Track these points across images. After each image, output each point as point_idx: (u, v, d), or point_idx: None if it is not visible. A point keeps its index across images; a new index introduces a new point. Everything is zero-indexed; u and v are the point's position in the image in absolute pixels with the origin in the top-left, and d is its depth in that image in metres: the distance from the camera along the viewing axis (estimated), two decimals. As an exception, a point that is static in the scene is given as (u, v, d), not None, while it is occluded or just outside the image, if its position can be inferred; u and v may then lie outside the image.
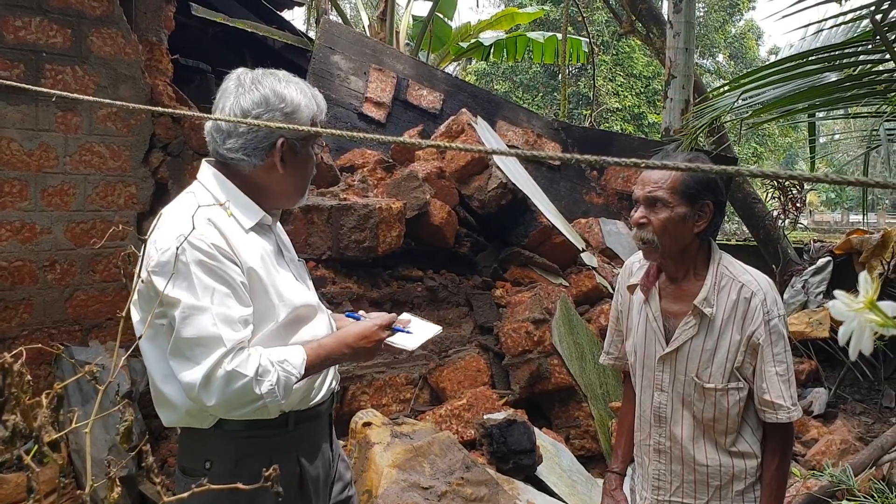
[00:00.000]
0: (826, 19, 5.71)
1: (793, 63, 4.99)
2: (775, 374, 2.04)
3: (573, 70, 23.46)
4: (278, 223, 1.96)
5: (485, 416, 3.33)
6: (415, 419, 3.49)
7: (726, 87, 5.66)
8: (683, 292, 2.16)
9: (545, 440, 3.48)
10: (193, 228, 1.58)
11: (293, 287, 1.80)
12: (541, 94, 26.92)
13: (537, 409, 4.08)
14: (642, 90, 24.76)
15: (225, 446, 1.73)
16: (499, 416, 3.31)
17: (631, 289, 2.30)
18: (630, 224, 6.80)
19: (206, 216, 1.65)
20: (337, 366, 1.95)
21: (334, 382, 1.94)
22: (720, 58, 30.99)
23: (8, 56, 3.42)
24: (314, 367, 1.74)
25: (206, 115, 1.55)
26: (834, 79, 5.06)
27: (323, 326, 1.88)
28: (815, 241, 7.22)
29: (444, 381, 3.79)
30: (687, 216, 2.06)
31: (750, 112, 5.66)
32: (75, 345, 3.62)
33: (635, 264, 2.35)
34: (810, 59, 4.94)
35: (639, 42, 24.95)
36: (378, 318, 1.91)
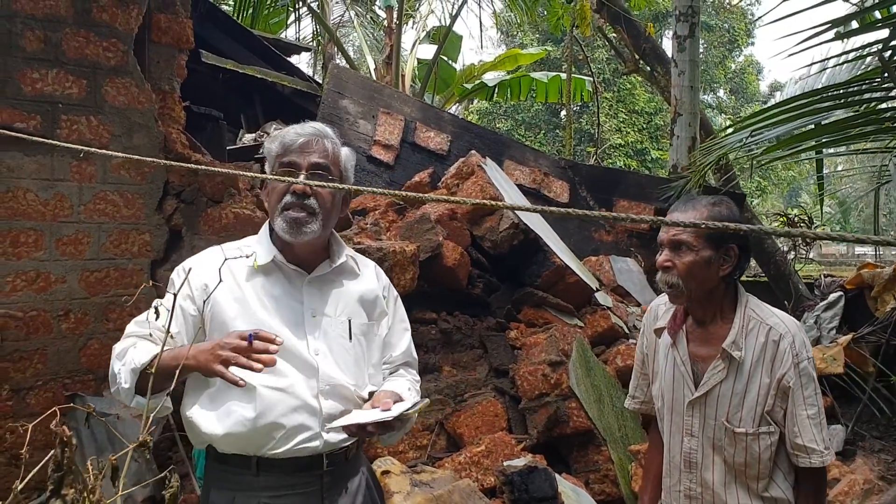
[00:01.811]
0: (830, 58, 5.77)
1: (801, 102, 5.03)
2: (807, 418, 2.01)
3: (575, 108, 23.67)
4: (338, 279, 2.00)
5: (504, 463, 3.28)
6: (432, 466, 3.44)
7: (731, 127, 5.69)
8: (711, 336, 2.14)
9: (566, 486, 3.42)
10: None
11: (264, 328, 1.81)
12: (542, 132, 27.16)
13: (555, 453, 4.01)
14: (644, 126, 25.00)
15: (208, 471, 1.90)
16: (519, 462, 3.26)
17: (658, 332, 2.28)
18: (639, 261, 6.81)
19: (213, 252, 1.96)
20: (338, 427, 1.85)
21: (316, 442, 1.83)
22: (721, 93, 31.30)
23: (25, 108, 3.45)
24: (163, 362, 1.69)
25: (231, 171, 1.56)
26: (841, 116, 5.09)
27: (292, 360, 1.86)
28: (825, 276, 7.17)
29: (461, 426, 3.74)
30: (712, 259, 2.06)
31: (758, 149, 5.69)
32: (89, 394, 3.59)
33: (661, 307, 2.33)
34: (817, 97, 4.98)
35: (640, 79, 25.26)
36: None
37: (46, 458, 0.91)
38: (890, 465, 5.43)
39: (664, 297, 2.30)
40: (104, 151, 2.12)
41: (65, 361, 3.59)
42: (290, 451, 1.80)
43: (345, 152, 2.01)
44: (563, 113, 27.60)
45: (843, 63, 5.62)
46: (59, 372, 3.58)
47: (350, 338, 1.94)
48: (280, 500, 1.80)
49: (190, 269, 1.85)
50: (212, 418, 1.80)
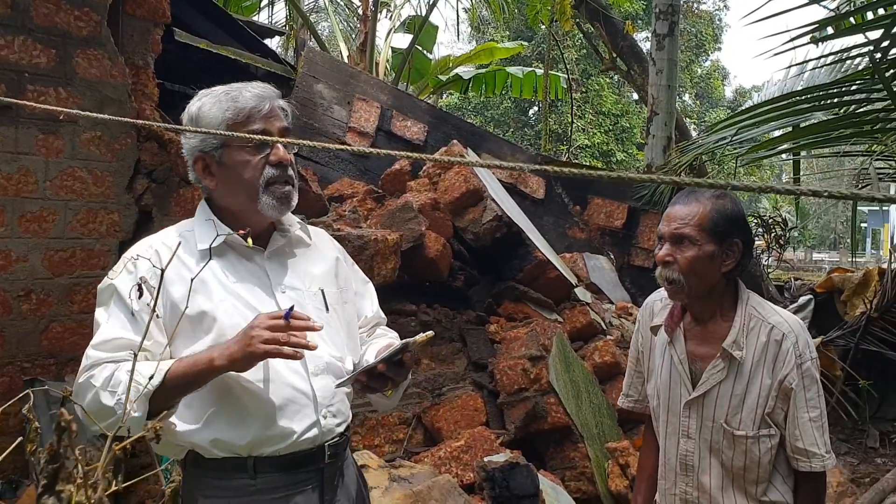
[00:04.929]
0: (808, 61, 5.80)
1: (780, 104, 5.04)
2: (809, 421, 1.96)
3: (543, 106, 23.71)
4: (293, 250, 1.85)
5: (485, 459, 3.20)
6: (409, 461, 3.35)
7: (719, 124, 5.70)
8: (710, 334, 2.07)
9: (545, 483, 3.35)
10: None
11: (236, 313, 1.67)
12: (511, 130, 27.16)
13: (531, 450, 3.95)
14: (611, 128, 25.12)
15: (191, 483, 1.69)
16: (499, 458, 3.18)
17: (654, 329, 2.21)
18: (611, 259, 6.80)
19: (152, 242, 1.73)
20: (333, 409, 1.74)
21: (314, 430, 1.69)
22: (686, 97, 31.60)
23: (-12, 76, 3.27)
24: (178, 376, 1.54)
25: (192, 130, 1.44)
26: (822, 118, 5.11)
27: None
28: (795, 280, 7.24)
29: (440, 420, 3.65)
30: (715, 255, 1.98)
31: (736, 150, 5.71)
32: (49, 379, 3.43)
33: (657, 303, 2.25)
34: (796, 99, 4.99)
35: (608, 80, 25.42)
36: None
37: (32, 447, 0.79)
38: (855, 468, 5.48)
39: (660, 294, 2.23)
40: (80, 112, 1.99)
41: (24, 344, 3.42)
42: (290, 446, 1.66)
43: None
44: (533, 111, 27.74)
45: (821, 66, 5.66)
46: (17, 355, 3.41)
47: (327, 309, 1.81)
48: (280, 502, 1.66)
49: (136, 256, 1.68)
50: (194, 424, 1.64)
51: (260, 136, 1.66)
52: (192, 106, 1.76)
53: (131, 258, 1.68)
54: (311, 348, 1.57)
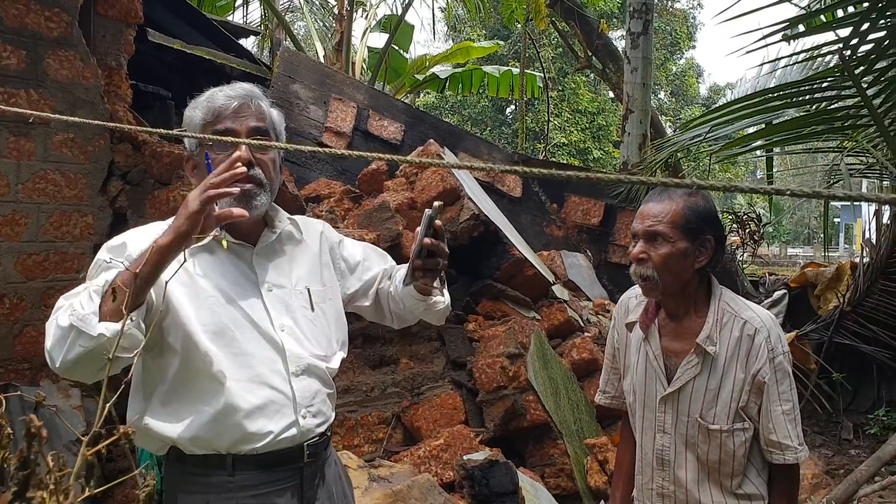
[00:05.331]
0: (781, 58, 5.87)
1: (752, 101, 5.10)
2: (781, 414, 1.98)
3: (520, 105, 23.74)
4: (283, 247, 1.86)
5: (465, 457, 3.21)
6: (389, 460, 3.35)
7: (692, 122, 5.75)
8: (684, 330, 2.09)
9: (524, 480, 3.37)
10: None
11: (221, 309, 1.69)
12: (489, 129, 27.21)
13: (510, 447, 3.97)
14: (587, 125, 25.23)
15: (172, 478, 1.71)
16: (479, 456, 3.19)
17: (629, 326, 2.23)
18: (588, 257, 6.84)
19: (143, 234, 1.73)
20: (313, 409, 1.76)
21: (293, 430, 1.71)
22: (661, 95, 31.81)
23: (-43, 78, 3.23)
24: (127, 277, 1.45)
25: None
26: (794, 115, 5.19)
27: (255, 342, 1.71)
28: (769, 275, 7.34)
29: (419, 419, 3.66)
30: (688, 251, 2.00)
31: (710, 147, 5.77)
32: (24, 384, 3.39)
33: (632, 300, 2.28)
34: (769, 96, 5.06)
35: (584, 78, 25.54)
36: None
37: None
38: (830, 460, 5.57)
39: (635, 290, 2.25)
40: (50, 115, 1.98)
41: (-2, 349, 3.38)
42: (268, 445, 1.68)
43: (275, 113, 1.85)
44: (510, 110, 27.81)
45: (793, 64, 5.73)
46: (-10, 361, 3.37)
47: (312, 308, 1.82)
48: (259, 499, 1.68)
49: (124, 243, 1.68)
50: (173, 421, 1.65)
51: (215, 136, 1.67)
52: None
53: (122, 243, 1.69)
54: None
